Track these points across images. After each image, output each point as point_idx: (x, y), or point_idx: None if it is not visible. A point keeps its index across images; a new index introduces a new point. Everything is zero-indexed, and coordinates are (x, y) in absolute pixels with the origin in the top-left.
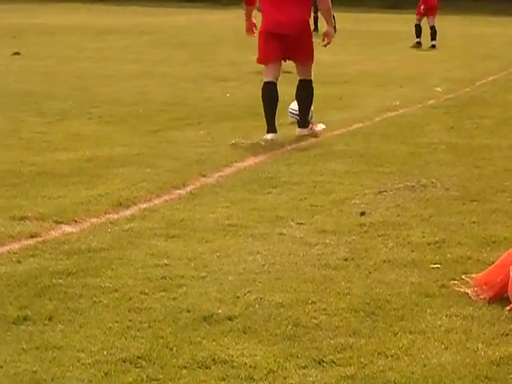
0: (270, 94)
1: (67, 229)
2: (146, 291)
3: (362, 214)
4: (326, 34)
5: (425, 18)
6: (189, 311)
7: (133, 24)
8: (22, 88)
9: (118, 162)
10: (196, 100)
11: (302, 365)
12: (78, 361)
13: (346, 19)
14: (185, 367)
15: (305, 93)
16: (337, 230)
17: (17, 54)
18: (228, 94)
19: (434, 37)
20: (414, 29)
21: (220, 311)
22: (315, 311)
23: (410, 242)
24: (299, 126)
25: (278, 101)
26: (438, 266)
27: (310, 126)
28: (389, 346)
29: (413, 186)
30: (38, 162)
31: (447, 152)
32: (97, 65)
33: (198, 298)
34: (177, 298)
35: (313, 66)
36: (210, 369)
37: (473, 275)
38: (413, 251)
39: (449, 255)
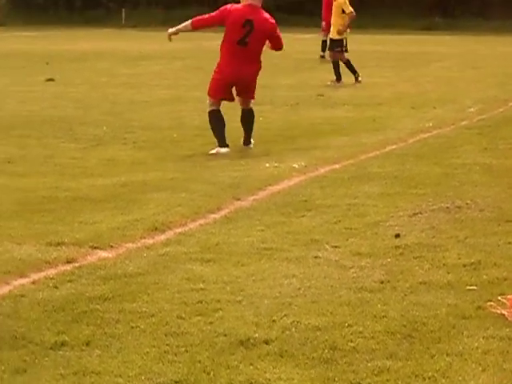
0: (218, 118)
1: (103, 254)
2: (183, 316)
3: (397, 236)
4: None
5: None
6: (225, 335)
7: (166, 49)
8: (56, 114)
9: (153, 187)
10: (229, 124)
11: None
12: None
13: (380, 41)
14: None
15: (248, 119)
16: (372, 252)
17: (50, 80)
18: (261, 118)
19: (323, 49)
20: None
21: (257, 335)
22: (352, 334)
23: (445, 263)
24: (245, 144)
25: (225, 123)
26: (474, 287)
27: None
28: (426, 368)
29: (447, 208)
30: (74, 188)
31: (481, 173)
32: (130, 90)
33: (235, 321)
34: (213, 322)
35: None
36: None
37: (509, 296)
38: (449, 273)
39: (485, 276)
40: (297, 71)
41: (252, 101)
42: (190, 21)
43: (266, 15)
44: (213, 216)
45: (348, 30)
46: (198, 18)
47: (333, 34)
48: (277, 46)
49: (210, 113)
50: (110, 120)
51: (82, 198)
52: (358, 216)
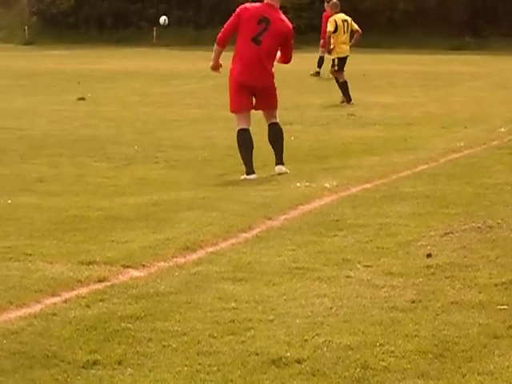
0: (246, 140)
1: (135, 273)
2: (215, 334)
3: (429, 255)
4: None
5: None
6: (257, 354)
7: (197, 69)
8: (88, 133)
9: (185, 206)
10: (260, 144)
11: None
12: None
13: (410, 61)
14: None
15: (277, 134)
16: (404, 272)
17: (82, 99)
18: (292, 138)
19: (320, 65)
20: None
21: (288, 354)
22: (383, 353)
23: (477, 283)
24: (278, 164)
25: (253, 145)
26: (506, 307)
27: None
28: None
29: (479, 227)
30: (106, 207)
31: None
32: (161, 110)
33: (267, 341)
34: (245, 342)
35: (287, 112)
36: None
37: None
38: (480, 292)
39: None
40: (327, 91)
41: (276, 113)
42: (215, 43)
43: (284, 17)
44: (244, 235)
45: (339, 49)
46: (219, 34)
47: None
48: (286, 56)
49: (238, 132)
50: (142, 139)
51: (114, 216)
52: (389, 235)
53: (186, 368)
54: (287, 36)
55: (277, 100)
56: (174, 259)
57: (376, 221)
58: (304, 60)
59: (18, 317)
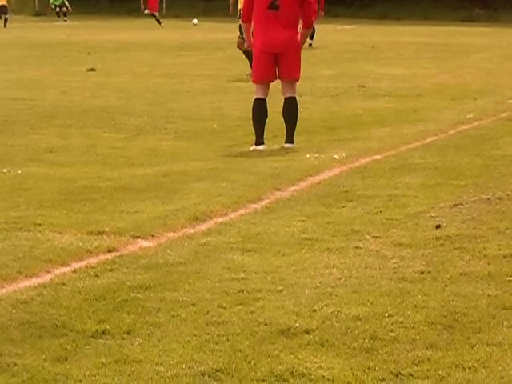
0: (261, 110)
1: (144, 243)
2: (224, 305)
3: (438, 227)
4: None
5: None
6: (266, 324)
7: (207, 40)
8: (98, 104)
9: (194, 177)
10: (271, 115)
11: (380, 378)
12: (157, 374)
13: (420, 32)
14: (263, 380)
15: (292, 110)
16: (413, 243)
17: (92, 70)
18: (302, 109)
19: (312, 37)
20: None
21: (297, 324)
22: (392, 324)
23: (486, 254)
24: (287, 142)
25: (267, 116)
26: None
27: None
28: (466, 358)
29: (488, 199)
30: (115, 178)
31: None
32: (172, 81)
33: (275, 311)
34: (254, 312)
35: (297, 83)
36: (287, 382)
37: None
38: (489, 264)
39: None
40: (337, 62)
41: (296, 87)
42: (240, 22)
43: None
44: (253, 206)
45: None
46: (242, 13)
47: None
48: (305, 18)
49: (254, 101)
50: (152, 110)
51: (124, 187)
52: (398, 207)
53: (194, 338)
54: None
55: (299, 70)
56: (184, 229)
57: (385, 192)
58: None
59: (28, 287)
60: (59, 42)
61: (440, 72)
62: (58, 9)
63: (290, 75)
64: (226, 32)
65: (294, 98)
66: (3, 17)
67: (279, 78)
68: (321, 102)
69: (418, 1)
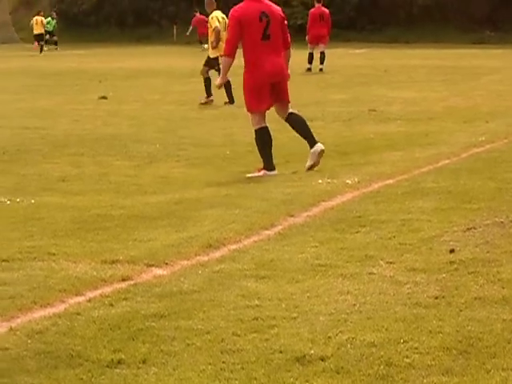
0: (269, 137)
1: (158, 271)
2: (238, 333)
3: (452, 251)
4: None
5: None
6: (281, 352)
7: None
8: (110, 132)
9: (207, 204)
10: (282, 140)
11: None
12: None
13: (430, 55)
14: None
15: (300, 120)
16: (427, 268)
17: (103, 98)
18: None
19: (322, 61)
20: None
21: (312, 352)
22: (407, 350)
23: (500, 278)
24: (314, 144)
25: (272, 140)
26: None
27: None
28: (482, 383)
29: (502, 222)
30: (128, 206)
31: None
32: (182, 107)
33: (290, 338)
34: (269, 339)
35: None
36: None
37: None
38: (503, 288)
39: None
40: (349, 86)
41: (289, 104)
42: (223, 57)
43: (272, 3)
44: (267, 232)
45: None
46: (227, 46)
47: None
48: (286, 40)
49: (257, 131)
50: (163, 137)
51: (137, 215)
52: (412, 231)
53: (210, 366)
54: (283, 20)
55: (288, 92)
56: (197, 257)
57: (398, 217)
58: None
59: (43, 316)
60: (71, 70)
61: (451, 95)
62: (47, 36)
63: (286, 98)
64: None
65: (293, 111)
66: (40, 44)
67: (276, 102)
68: (332, 127)
69: (428, 24)
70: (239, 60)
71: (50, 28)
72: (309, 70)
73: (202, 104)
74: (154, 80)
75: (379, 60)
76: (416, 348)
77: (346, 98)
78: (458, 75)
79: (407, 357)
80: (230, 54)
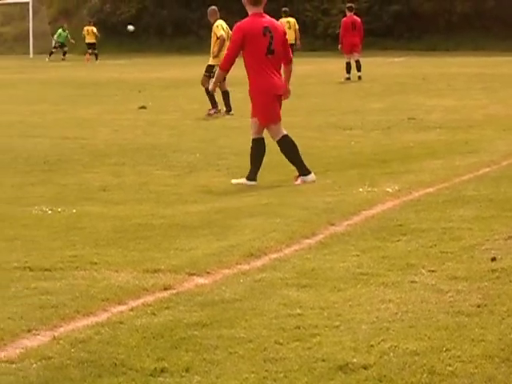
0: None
1: (200, 280)
2: (281, 341)
3: (493, 259)
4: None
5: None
6: (324, 360)
7: None
8: (150, 142)
9: (247, 213)
10: (321, 149)
11: None
12: None
13: (469, 63)
14: None
15: (293, 147)
16: (468, 276)
17: (143, 107)
18: (353, 142)
19: (359, 69)
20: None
21: (355, 360)
22: (450, 359)
23: None
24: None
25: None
26: None
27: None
28: None
29: None
30: (169, 215)
31: None
32: (222, 117)
33: (333, 347)
34: (311, 348)
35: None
36: None
37: None
38: None
39: None
40: (387, 95)
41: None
42: (218, 68)
43: (274, 19)
44: (308, 241)
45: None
46: (224, 61)
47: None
48: (288, 55)
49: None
50: (203, 147)
51: (178, 224)
52: (453, 240)
53: (252, 375)
54: (285, 35)
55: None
56: (238, 266)
57: (439, 225)
58: (362, 64)
59: (86, 325)
60: (110, 80)
61: (490, 103)
62: (58, 46)
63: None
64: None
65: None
66: (93, 52)
67: None
68: (372, 136)
69: (467, 32)
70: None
71: (61, 40)
72: (348, 79)
73: (208, 115)
74: (193, 90)
75: (417, 68)
76: (458, 356)
77: (384, 107)
78: (498, 83)
79: (450, 365)
80: (227, 69)
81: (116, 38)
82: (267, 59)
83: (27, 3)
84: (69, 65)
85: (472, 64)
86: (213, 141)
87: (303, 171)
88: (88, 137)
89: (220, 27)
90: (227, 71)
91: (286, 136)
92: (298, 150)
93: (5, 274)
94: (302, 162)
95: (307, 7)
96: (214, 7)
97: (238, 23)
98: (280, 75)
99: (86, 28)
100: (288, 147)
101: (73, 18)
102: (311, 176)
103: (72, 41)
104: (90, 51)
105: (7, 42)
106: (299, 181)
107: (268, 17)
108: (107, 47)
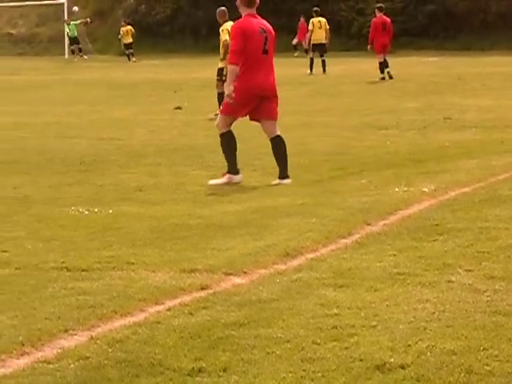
0: (232, 142)
1: (237, 280)
2: (318, 341)
3: None
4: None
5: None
6: (361, 360)
7: (292, 75)
8: (186, 142)
9: (283, 213)
10: (357, 149)
11: None
12: None
13: (505, 63)
14: None
15: (281, 148)
16: (505, 275)
17: (179, 108)
18: (388, 142)
19: (383, 70)
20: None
21: (392, 360)
22: (487, 358)
23: None
24: (280, 178)
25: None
26: None
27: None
28: None
29: None
30: (206, 215)
31: None
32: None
33: (370, 346)
34: (349, 348)
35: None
36: None
37: None
38: None
39: None
40: (422, 94)
41: (277, 126)
42: (228, 66)
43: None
44: (344, 241)
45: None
46: (229, 56)
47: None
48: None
49: (224, 135)
50: (239, 147)
51: (214, 224)
52: (490, 239)
53: (290, 375)
54: (274, 38)
55: (277, 111)
56: (275, 266)
57: (476, 224)
58: (397, 64)
59: (123, 325)
60: (145, 80)
61: None
62: (74, 46)
63: (274, 115)
64: (306, 67)
65: (280, 136)
66: (129, 52)
67: (262, 118)
68: (407, 135)
69: (502, 31)
70: None
71: (72, 34)
72: (382, 79)
73: (212, 119)
74: None
75: (453, 68)
76: (496, 356)
77: (420, 107)
78: None
79: (487, 364)
80: (237, 62)
81: (151, 38)
82: (263, 58)
83: (62, 4)
84: (104, 66)
85: (507, 63)
86: (248, 141)
87: (233, 170)
88: (124, 137)
89: (226, 31)
90: (238, 65)
91: (230, 132)
92: (235, 149)
93: (42, 274)
94: (235, 161)
95: (342, 7)
96: (223, 8)
97: (235, 23)
98: (272, 77)
99: (123, 29)
100: (227, 144)
101: (108, 18)
102: (239, 176)
103: (88, 19)
104: (131, 51)
105: (42, 42)
106: (226, 177)
107: (260, 18)
108: (142, 48)
